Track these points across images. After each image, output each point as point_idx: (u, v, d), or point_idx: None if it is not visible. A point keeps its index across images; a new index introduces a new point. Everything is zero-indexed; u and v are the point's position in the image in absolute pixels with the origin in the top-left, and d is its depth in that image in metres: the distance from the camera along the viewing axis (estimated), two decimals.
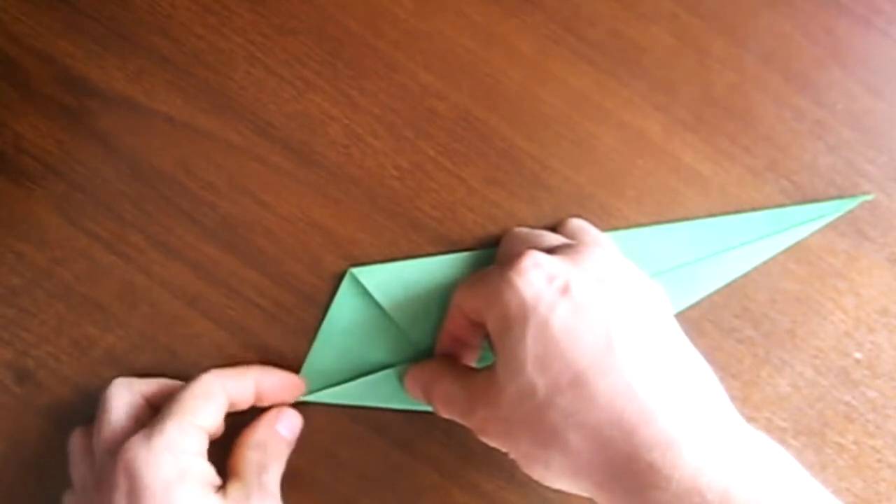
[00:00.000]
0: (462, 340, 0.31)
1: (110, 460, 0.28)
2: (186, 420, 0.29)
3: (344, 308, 0.33)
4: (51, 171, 0.34)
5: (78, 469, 0.31)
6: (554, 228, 0.33)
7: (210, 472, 0.29)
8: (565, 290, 0.26)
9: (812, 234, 0.34)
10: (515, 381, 0.26)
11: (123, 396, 0.30)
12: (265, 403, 0.32)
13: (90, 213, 0.33)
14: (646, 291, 0.27)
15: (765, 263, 0.34)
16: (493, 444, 0.28)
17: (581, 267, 0.27)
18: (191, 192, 0.34)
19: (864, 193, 0.34)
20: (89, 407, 0.33)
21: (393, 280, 0.33)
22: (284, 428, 0.32)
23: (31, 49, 0.34)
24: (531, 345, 0.26)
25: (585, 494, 0.26)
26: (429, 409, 0.33)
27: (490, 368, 0.28)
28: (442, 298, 0.33)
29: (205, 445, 0.29)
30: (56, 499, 0.32)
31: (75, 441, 0.32)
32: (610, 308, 0.26)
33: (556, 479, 0.26)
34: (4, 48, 0.34)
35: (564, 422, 0.25)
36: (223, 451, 0.31)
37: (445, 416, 0.30)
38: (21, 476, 0.33)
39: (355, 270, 0.33)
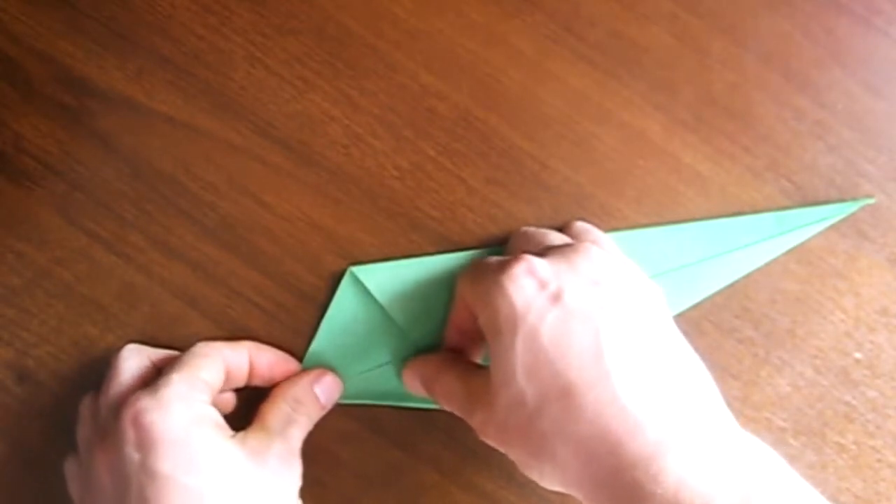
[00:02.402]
0: (469, 333, 0.31)
1: (116, 416, 0.28)
2: (191, 373, 0.29)
3: (343, 306, 0.33)
4: (51, 171, 0.34)
5: (82, 430, 0.31)
6: (556, 230, 0.33)
7: (222, 420, 0.29)
8: (557, 298, 0.26)
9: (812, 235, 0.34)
10: (507, 389, 0.26)
11: (133, 360, 0.31)
12: (257, 381, 0.32)
13: (90, 213, 0.34)
14: (643, 293, 0.27)
15: (765, 264, 0.34)
16: (492, 445, 0.28)
17: (576, 270, 0.27)
18: (191, 192, 0.34)
19: (866, 195, 0.34)
20: None
21: (392, 279, 0.33)
22: (322, 391, 0.32)
23: (31, 49, 0.34)
24: (521, 353, 0.25)
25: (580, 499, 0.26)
26: (426, 405, 0.33)
27: (488, 369, 0.28)
28: (441, 297, 0.33)
29: (210, 399, 0.29)
30: (57, 498, 0.32)
31: (84, 403, 0.32)
32: (602, 315, 0.25)
33: (549, 485, 0.26)
34: (4, 48, 0.34)
35: (553, 434, 0.25)
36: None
37: (447, 409, 0.30)
38: (21, 476, 0.33)
39: (355, 269, 0.33)
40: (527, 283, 0.26)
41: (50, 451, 0.33)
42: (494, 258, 0.30)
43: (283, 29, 0.34)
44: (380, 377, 0.33)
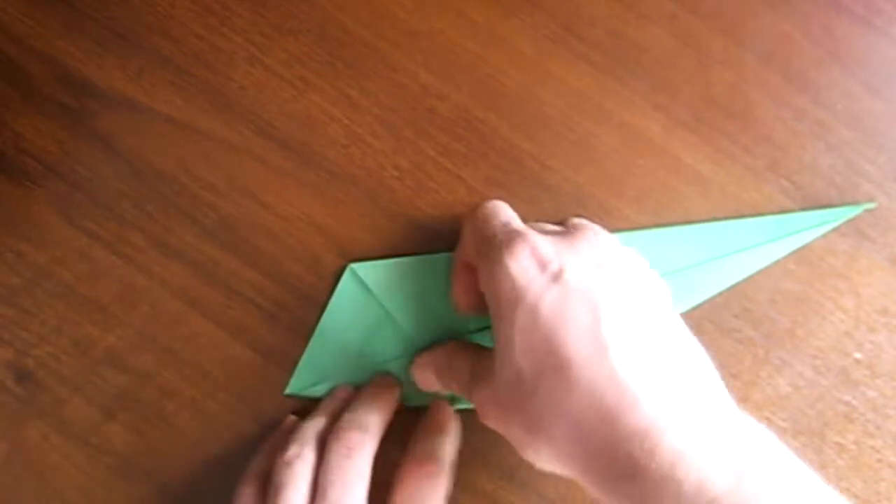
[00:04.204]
0: (476, 291, 0.30)
1: None
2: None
3: (342, 303, 0.33)
4: (51, 171, 0.34)
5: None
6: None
7: None
8: (557, 276, 0.26)
9: None
10: (506, 366, 0.26)
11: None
12: None
13: (90, 213, 0.33)
14: (643, 278, 0.27)
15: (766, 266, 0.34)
16: (492, 426, 0.28)
17: (578, 251, 0.27)
18: (191, 192, 0.34)
19: (866, 195, 0.34)
20: (89, 406, 0.33)
21: (392, 276, 0.33)
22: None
23: (31, 49, 0.34)
24: (519, 331, 0.26)
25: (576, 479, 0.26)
26: (426, 404, 0.33)
27: (491, 350, 0.28)
28: (440, 295, 0.33)
29: None
30: (56, 498, 0.32)
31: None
32: (602, 294, 0.26)
33: (545, 464, 0.26)
34: (4, 48, 0.34)
35: (548, 410, 0.25)
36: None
37: (457, 394, 0.30)
38: (21, 476, 0.33)
39: (355, 266, 0.33)
40: (529, 263, 0.26)
41: (50, 452, 0.33)
42: (502, 219, 0.29)
43: (283, 29, 0.34)
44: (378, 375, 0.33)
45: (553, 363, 0.25)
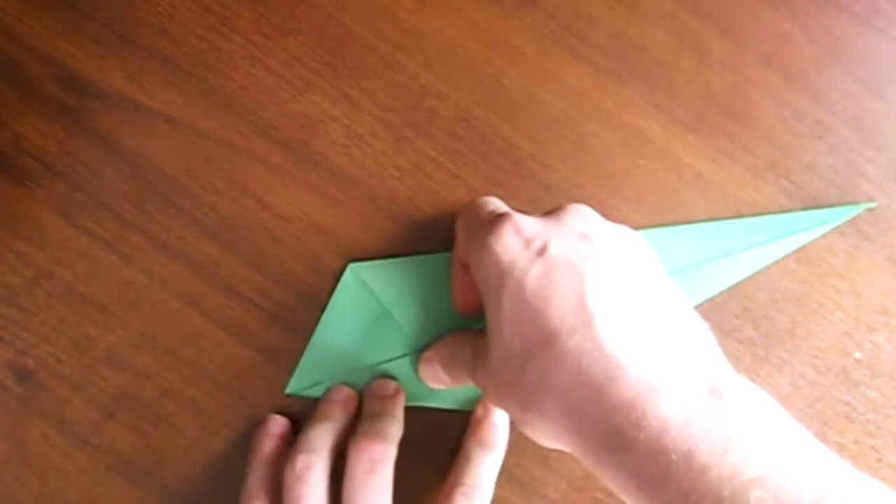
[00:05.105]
0: (475, 291, 0.30)
1: None
2: None
3: (342, 303, 0.33)
4: (51, 171, 0.34)
5: None
6: None
7: None
8: (542, 251, 0.26)
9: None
10: (498, 346, 0.26)
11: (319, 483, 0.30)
12: None
13: (90, 213, 0.33)
14: (631, 247, 0.27)
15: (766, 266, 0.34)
16: (494, 405, 0.28)
17: (563, 224, 0.27)
18: (191, 192, 0.34)
19: (866, 195, 0.34)
20: (89, 406, 0.33)
21: (392, 276, 0.33)
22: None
23: (31, 49, 0.34)
24: (507, 309, 0.26)
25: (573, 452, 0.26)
26: (425, 403, 0.33)
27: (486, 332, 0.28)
28: (440, 295, 0.33)
29: None
30: (56, 498, 0.32)
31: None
32: (587, 264, 0.25)
33: (542, 439, 0.26)
34: (4, 48, 0.34)
35: (539, 384, 0.25)
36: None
37: (464, 382, 0.30)
38: (21, 476, 0.33)
39: (355, 266, 0.33)
40: (513, 241, 0.26)
41: (50, 452, 0.33)
42: (490, 208, 0.30)
43: (283, 29, 0.34)
44: (378, 374, 0.33)
45: (540, 337, 0.25)
